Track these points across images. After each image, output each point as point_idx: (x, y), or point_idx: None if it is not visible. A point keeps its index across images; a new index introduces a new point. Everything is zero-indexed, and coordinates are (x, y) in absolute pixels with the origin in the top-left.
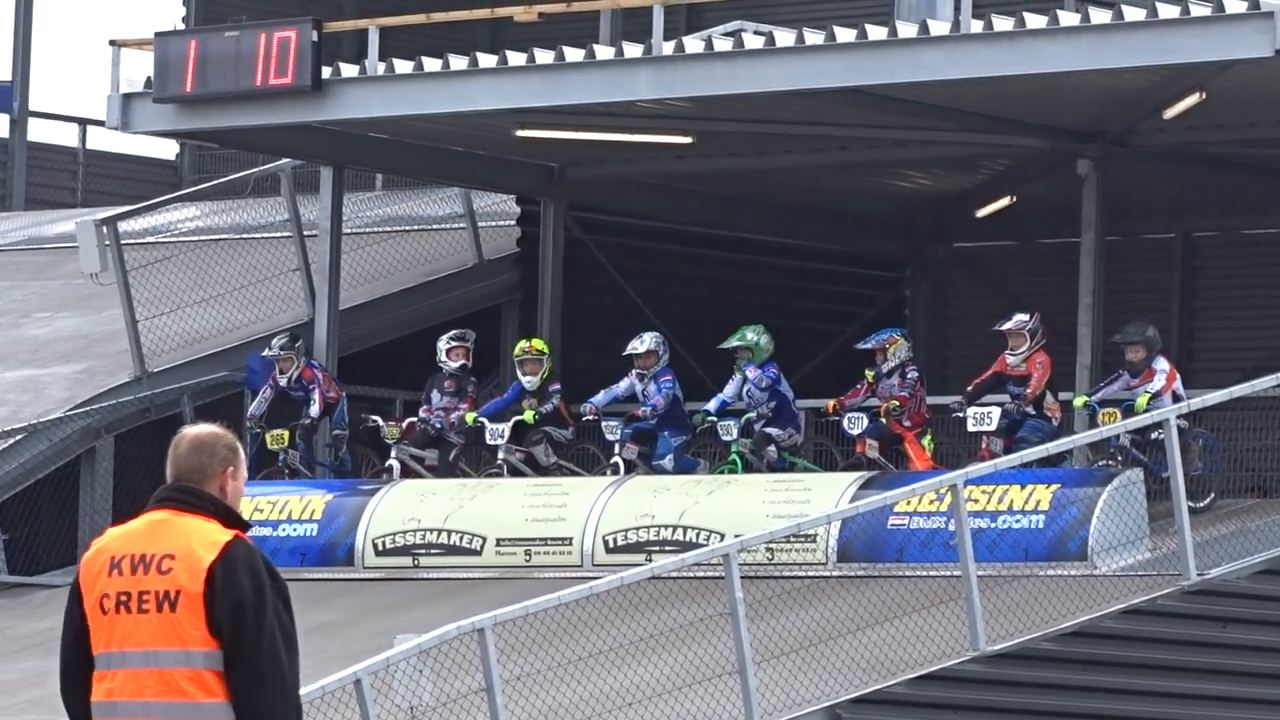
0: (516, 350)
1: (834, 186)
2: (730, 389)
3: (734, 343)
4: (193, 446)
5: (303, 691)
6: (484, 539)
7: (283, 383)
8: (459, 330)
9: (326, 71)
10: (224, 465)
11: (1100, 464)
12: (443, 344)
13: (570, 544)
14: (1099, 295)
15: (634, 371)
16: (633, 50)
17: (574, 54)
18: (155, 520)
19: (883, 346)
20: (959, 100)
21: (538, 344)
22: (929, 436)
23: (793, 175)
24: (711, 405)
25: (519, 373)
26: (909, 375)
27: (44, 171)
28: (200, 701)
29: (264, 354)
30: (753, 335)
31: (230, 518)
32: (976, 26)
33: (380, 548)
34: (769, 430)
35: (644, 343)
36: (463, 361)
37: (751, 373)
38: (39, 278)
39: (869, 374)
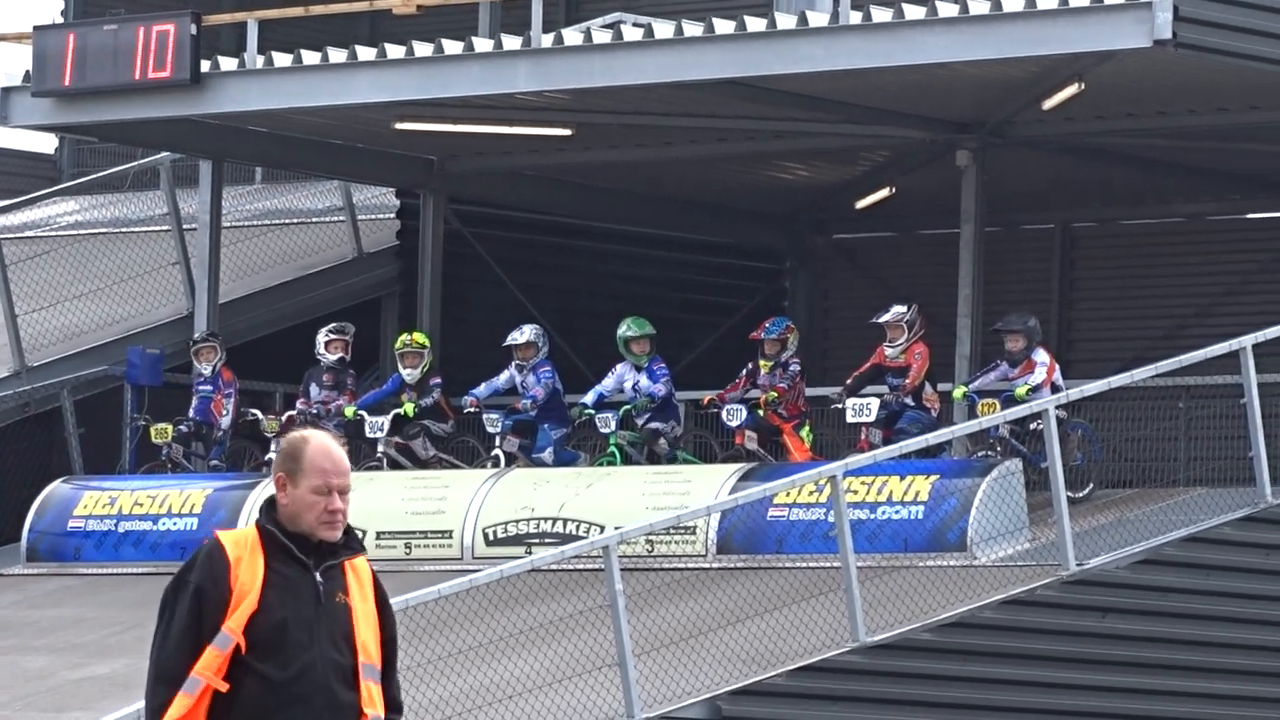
0: (398, 343)
1: (713, 178)
2: (609, 382)
3: (634, 331)
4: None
5: None
6: (363, 532)
7: (205, 371)
8: (337, 323)
9: (205, 65)
10: None
11: (979, 455)
12: (321, 337)
13: (450, 537)
14: (978, 286)
15: (514, 363)
16: (511, 42)
17: (453, 46)
18: None
19: (784, 336)
20: (838, 92)
21: (419, 337)
22: (808, 428)
23: (672, 167)
24: (589, 398)
25: (400, 366)
26: (790, 368)
27: None
28: None
29: (146, 350)
30: (641, 325)
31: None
32: (855, 18)
33: None
34: (655, 425)
35: (523, 334)
36: (341, 355)
37: (642, 378)
38: None
39: (765, 364)
